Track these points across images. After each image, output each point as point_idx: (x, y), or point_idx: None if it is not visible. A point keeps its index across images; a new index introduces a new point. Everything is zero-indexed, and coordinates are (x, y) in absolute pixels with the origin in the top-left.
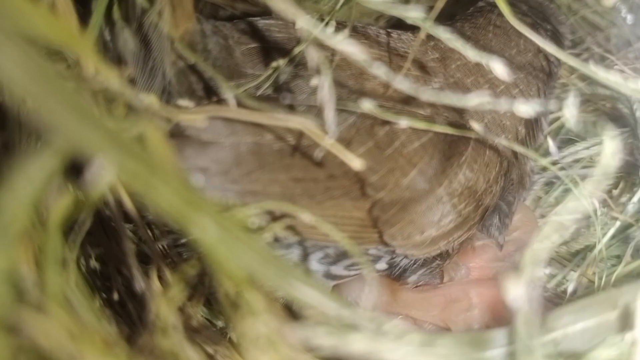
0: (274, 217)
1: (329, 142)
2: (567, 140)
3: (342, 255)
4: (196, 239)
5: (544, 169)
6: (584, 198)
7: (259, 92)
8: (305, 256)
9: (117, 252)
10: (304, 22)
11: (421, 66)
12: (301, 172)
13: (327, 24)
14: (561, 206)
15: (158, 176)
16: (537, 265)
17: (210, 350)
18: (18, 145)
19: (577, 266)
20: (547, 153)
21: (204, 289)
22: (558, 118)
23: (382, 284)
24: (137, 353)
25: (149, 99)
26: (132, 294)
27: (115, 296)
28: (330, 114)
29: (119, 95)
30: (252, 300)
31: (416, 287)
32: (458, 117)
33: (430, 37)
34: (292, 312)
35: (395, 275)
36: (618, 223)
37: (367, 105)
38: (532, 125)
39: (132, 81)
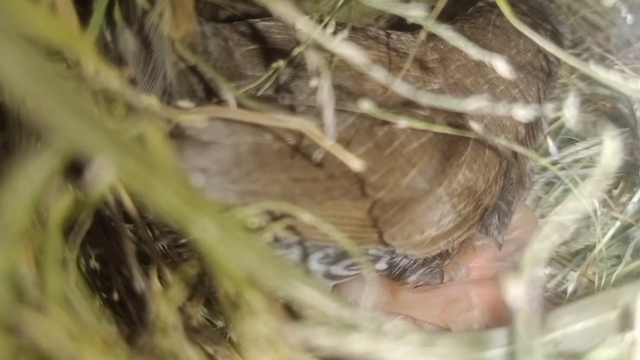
0: (274, 217)
1: (328, 144)
2: (567, 140)
3: (342, 255)
4: (196, 239)
5: (544, 169)
6: (584, 198)
7: (259, 93)
8: (305, 256)
9: (117, 252)
10: (303, 25)
11: (421, 67)
12: (301, 172)
13: (326, 25)
14: (561, 206)
15: (158, 176)
16: (537, 265)
17: (210, 350)
18: (18, 145)
19: (577, 266)
20: (547, 153)
21: (204, 289)
22: (558, 118)
23: (382, 284)
24: (137, 353)
25: (150, 100)
26: (132, 294)
27: (115, 296)
28: (329, 115)
29: (119, 96)
30: (252, 300)
31: (416, 287)
32: (458, 117)
33: (429, 38)
34: (292, 312)
35: (395, 275)
36: (618, 223)
37: (366, 106)
38: (532, 125)
39: (132, 82)
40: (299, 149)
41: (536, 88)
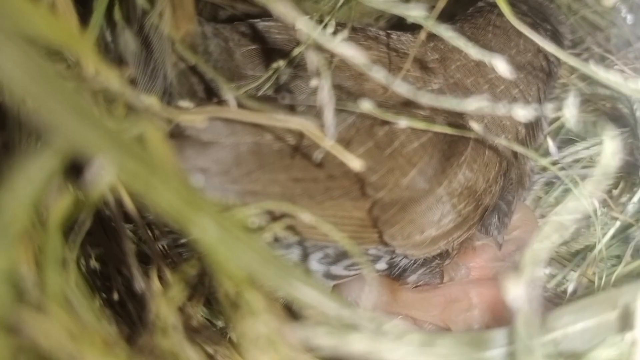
0: (274, 217)
1: (328, 144)
2: (567, 140)
3: (342, 255)
4: (196, 239)
5: (544, 169)
6: (584, 198)
7: (260, 93)
8: (305, 256)
9: (117, 252)
10: (303, 25)
11: (421, 67)
12: (301, 172)
13: (326, 25)
14: (561, 206)
15: (158, 176)
16: (537, 265)
17: (210, 350)
18: (18, 145)
19: (577, 266)
20: (547, 153)
21: (204, 289)
22: (558, 118)
23: (382, 284)
24: (137, 353)
25: (150, 100)
26: (132, 294)
27: (115, 296)
28: (329, 115)
29: (120, 96)
30: (252, 300)
31: (416, 287)
32: (458, 117)
33: (430, 38)
34: (292, 312)
35: (395, 275)
36: (618, 223)
37: (366, 106)
38: (532, 125)
39: (133, 82)
40: (299, 149)
41: (536, 88)
